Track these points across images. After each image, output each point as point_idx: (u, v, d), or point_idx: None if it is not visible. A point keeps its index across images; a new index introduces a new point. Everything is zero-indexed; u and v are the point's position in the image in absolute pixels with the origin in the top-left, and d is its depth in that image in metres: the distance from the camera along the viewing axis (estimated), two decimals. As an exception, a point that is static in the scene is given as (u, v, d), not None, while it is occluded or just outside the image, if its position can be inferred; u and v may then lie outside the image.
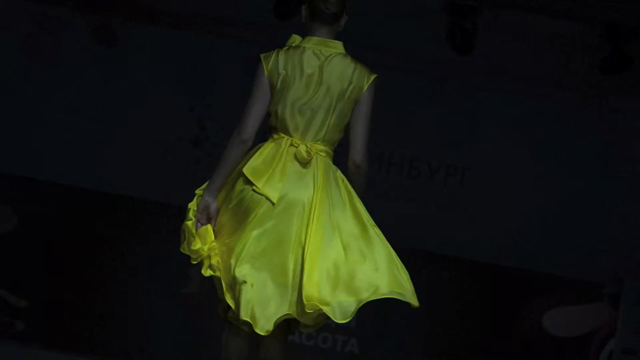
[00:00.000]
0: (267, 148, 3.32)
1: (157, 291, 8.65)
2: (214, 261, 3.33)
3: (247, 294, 3.18)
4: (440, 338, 8.64)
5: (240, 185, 3.31)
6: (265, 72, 3.31)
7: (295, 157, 3.27)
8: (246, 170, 3.27)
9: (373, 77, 3.34)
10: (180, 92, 9.05)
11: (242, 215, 3.28)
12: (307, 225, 3.22)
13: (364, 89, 3.32)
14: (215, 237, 3.37)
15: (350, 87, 3.30)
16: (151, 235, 8.58)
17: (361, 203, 3.31)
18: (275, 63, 3.30)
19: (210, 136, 9.01)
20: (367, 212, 3.32)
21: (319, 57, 3.28)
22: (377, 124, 8.56)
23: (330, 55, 3.30)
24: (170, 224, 8.39)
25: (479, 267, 8.92)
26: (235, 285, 3.22)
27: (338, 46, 3.35)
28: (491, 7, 7.75)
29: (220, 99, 8.93)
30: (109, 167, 8.86)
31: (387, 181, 8.66)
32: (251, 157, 3.31)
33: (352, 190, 3.32)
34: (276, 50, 3.35)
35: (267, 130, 3.48)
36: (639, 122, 8.94)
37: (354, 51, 7.94)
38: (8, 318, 8.65)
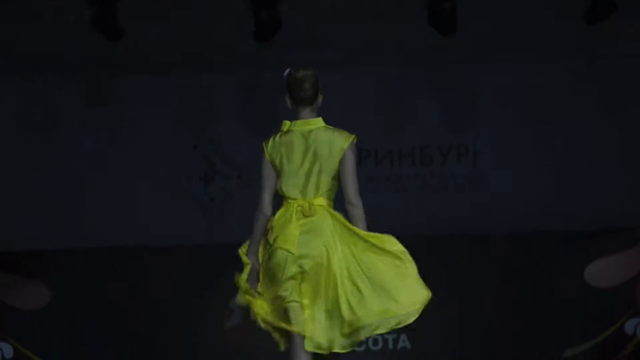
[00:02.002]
0: (283, 214, 4.23)
1: (197, 328, 8.79)
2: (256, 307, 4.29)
3: (300, 314, 4.17)
4: (486, 314, 8.80)
5: (270, 248, 4.24)
6: (267, 155, 4.23)
7: (303, 214, 4.16)
8: (273, 238, 4.21)
9: (351, 138, 4.20)
10: (182, 132, 9.21)
11: (275, 269, 4.20)
12: (329, 267, 4.17)
13: (345, 148, 4.18)
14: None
15: (333, 149, 4.19)
16: (189, 279, 8.83)
17: (359, 234, 4.20)
18: (272, 147, 4.22)
19: (220, 170, 9.18)
20: (363, 241, 4.20)
21: (305, 135, 4.20)
22: (382, 121, 8.85)
23: (313, 130, 4.20)
24: (202, 264, 8.69)
25: (510, 239, 9.07)
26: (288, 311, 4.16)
27: (318, 122, 4.24)
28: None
29: (224, 131, 9.18)
30: (128, 221, 9.01)
31: (401, 173, 8.90)
32: (275, 222, 4.24)
33: (349, 226, 4.21)
34: (272, 137, 4.24)
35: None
36: (632, 64, 9.10)
37: (348, 54, 8.03)
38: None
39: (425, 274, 8.58)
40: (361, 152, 8.88)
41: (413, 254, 8.57)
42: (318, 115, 4.28)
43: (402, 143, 8.83)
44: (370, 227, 4.37)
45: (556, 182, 9.08)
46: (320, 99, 4.26)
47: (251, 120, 9.27)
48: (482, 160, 9.22)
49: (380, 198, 8.67)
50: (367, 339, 8.78)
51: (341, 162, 4.19)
